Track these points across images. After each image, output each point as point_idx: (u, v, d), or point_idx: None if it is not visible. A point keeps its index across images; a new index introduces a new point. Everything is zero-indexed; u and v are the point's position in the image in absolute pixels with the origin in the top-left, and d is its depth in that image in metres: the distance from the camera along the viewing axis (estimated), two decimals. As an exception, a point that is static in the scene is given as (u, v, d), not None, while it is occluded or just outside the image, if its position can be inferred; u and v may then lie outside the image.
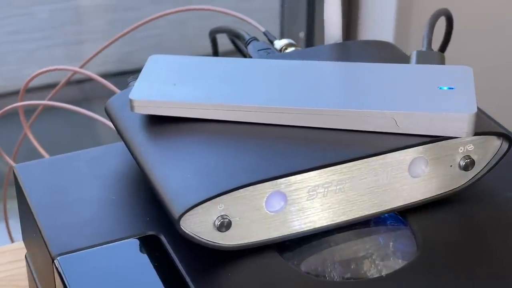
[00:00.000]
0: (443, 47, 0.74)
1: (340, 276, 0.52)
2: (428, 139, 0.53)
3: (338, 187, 0.53)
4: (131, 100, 0.55)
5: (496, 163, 0.55)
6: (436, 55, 0.60)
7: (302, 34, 1.54)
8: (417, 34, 1.35)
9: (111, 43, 0.80)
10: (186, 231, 0.50)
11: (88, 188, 0.57)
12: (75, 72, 0.81)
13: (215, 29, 0.73)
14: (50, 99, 0.83)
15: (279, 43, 0.67)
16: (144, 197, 0.56)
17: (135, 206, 0.56)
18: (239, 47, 0.76)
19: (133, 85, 0.61)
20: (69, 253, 0.52)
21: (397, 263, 0.52)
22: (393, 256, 0.54)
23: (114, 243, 0.53)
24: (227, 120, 0.55)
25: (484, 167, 0.56)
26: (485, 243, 0.53)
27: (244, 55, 0.77)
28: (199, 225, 0.51)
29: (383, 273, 0.51)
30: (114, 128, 0.58)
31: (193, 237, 0.51)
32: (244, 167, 0.52)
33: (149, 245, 0.53)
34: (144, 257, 0.53)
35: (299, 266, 0.52)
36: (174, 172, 0.52)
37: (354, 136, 0.54)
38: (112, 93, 0.65)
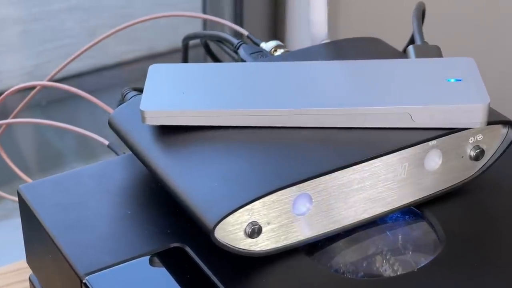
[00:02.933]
0: (413, 40, 0.75)
1: (369, 273, 0.53)
2: (443, 132, 0.54)
3: (359, 185, 0.53)
4: (142, 112, 0.55)
5: (504, 151, 0.57)
6: (433, 48, 0.61)
7: None
8: (346, 33, 1.36)
9: (79, 54, 0.79)
10: (220, 241, 0.50)
11: (101, 204, 0.56)
12: (42, 86, 0.79)
13: (191, 35, 0.72)
14: (15, 116, 0.81)
15: (266, 46, 0.67)
16: (159, 209, 0.55)
17: (152, 219, 0.55)
18: (213, 53, 0.75)
19: (130, 97, 0.61)
20: (97, 272, 0.51)
21: (423, 258, 0.53)
22: (416, 251, 0.54)
23: (140, 258, 0.52)
24: (241, 126, 0.55)
25: (492, 155, 0.57)
26: (503, 230, 0.54)
27: (217, 60, 0.77)
28: (231, 233, 0.50)
29: (414, 269, 0.52)
30: (122, 141, 0.57)
31: (226, 246, 0.50)
32: (271, 172, 0.52)
33: (176, 258, 0.52)
34: (174, 270, 0.52)
35: (327, 266, 0.53)
36: (199, 182, 0.51)
37: (371, 133, 0.54)
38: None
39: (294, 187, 0.51)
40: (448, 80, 0.56)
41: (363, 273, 0.53)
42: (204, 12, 1.51)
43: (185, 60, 0.76)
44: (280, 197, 0.51)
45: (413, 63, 0.59)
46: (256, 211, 0.50)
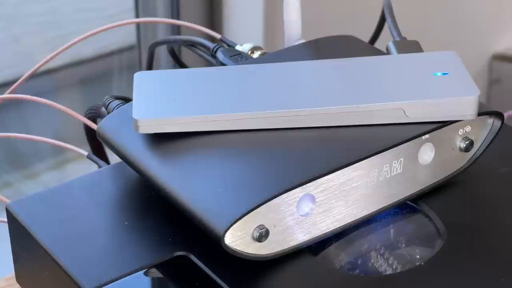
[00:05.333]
0: (376, 35, 0.76)
1: (375, 270, 0.53)
2: (437, 125, 0.55)
3: (359, 182, 0.53)
4: (136, 121, 0.54)
5: (491, 141, 0.58)
6: (413, 43, 0.62)
7: None
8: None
9: (41, 65, 0.77)
10: (230, 247, 0.49)
11: (96, 216, 0.55)
12: (3, 100, 0.77)
13: (160, 41, 0.71)
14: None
15: (242, 48, 0.66)
16: (157, 218, 0.55)
17: (151, 228, 0.54)
18: (179, 58, 0.75)
19: (114, 106, 0.60)
20: (104, 286, 0.50)
21: (426, 251, 0.54)
22: (419, 245, 0.55)
23: (146, 269, 0.51)
24: (236, 130, 0.54)
25: (480, 146, 0.58)
26: (501, 220, 0.55)
27: (183, 65, 0.76)
28: (239, 238, 0.50)
29: (420, 262, 0.52)
30: (113, 151, 0.56)
31: (236, 252, 0.50)
32: (274, 174, 0.51)
33: (182, 266, 0.52)
34: (181, 279, 0.51)
35: (334, 265, 0.53)
36: (203, 189, 0.51)
37: (366, 130, 0.54)
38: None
39: (298, 188, 0.51)
40: (435, 74, 0.57)
41: (369, 270, 0.53)
42: (137, 13, 1.48)
43: (149, 67, 0.75)
44: (285, 199, 0.51)
45: (397, 59, 0.60)
46: (262, 215, 0.50)
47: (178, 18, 1.38)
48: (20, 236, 0.55)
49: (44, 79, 1.63)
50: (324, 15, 1.35)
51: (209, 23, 1.43)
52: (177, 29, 1.36)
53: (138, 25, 1.51)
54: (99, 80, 1.67)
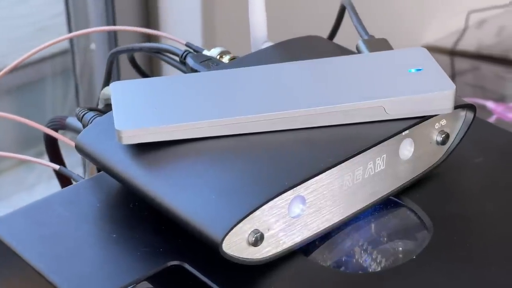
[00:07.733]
0: (334, 32, 0.77)
1: (370, 266, 0.54)
2: (416, 120, 0.56)
3: (345, 181, 0.54)
4: (119, 132, 0.53)
5: (465, 133, 0.59)
6: (382, 41, 0.62)
7: (93, 46, 1.47)
8: (222, 28, 1.36)
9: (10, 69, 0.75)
10: (228, 253, 0.49)
11: (82, 230, 0.54)
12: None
13: (122, 49, 0.70)
14: None
15: (211, 53, 0.66)
16: (144, 229, 0.54)
17: (140, 239, 0.53)
18: (140, 67, 0.74)
19: (90, 117, 0.59)
20: (101, 302, 0.49)
21: (414, 245, 0.54)
22: (407, 239, 0.56)
23: (141, 282, 0.51)
24: (221, 135, 0.54)
25: (455, 138, 0.59)
26: (482, 208, 0.57)
27: (144, 73, 0.75)
28: (235, 244, 0.50)
29: (412, 256, 0.53)
30: (95, 164, 0.55)
31: (233, 257, 0.50)
32: (265, 178, 0.52)
33: (177, 276, 0.51)
34: (179, 289, 0.51)
35: (325, 263, 0.53)
36: (195, 197, 0.51)
37: (349, 129, 0.55)
38: None
39: (289, 191, 0.51)
40: (409, 71, 0.57)
41: (363, 266, 0.54)
42: (69, 18, 1.45)
43: (108, 76, 0.73)
44: (276, 202, 0.51)
45: (371, 58, 0.60)
46: (256, 219, 0.50)
47: (113, 21, 1.36)
48: (3, 255, 0.54)
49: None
50: (277, 15, 1.35)
51: (146, 24, 1.42)
52: (113, 34, 1.34)
53: (70, 29, 1.48)
54: (32, 86, 1.64)
